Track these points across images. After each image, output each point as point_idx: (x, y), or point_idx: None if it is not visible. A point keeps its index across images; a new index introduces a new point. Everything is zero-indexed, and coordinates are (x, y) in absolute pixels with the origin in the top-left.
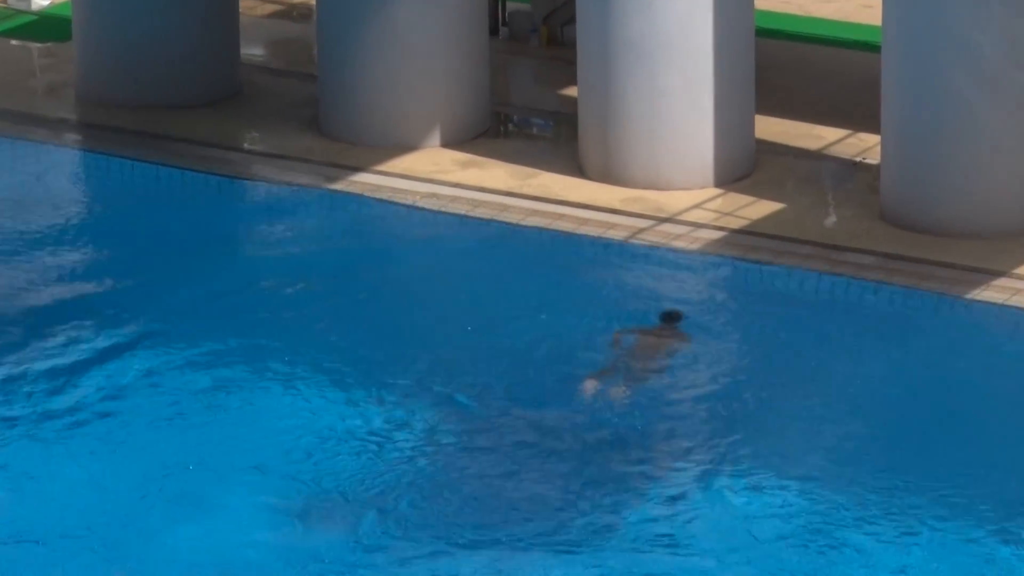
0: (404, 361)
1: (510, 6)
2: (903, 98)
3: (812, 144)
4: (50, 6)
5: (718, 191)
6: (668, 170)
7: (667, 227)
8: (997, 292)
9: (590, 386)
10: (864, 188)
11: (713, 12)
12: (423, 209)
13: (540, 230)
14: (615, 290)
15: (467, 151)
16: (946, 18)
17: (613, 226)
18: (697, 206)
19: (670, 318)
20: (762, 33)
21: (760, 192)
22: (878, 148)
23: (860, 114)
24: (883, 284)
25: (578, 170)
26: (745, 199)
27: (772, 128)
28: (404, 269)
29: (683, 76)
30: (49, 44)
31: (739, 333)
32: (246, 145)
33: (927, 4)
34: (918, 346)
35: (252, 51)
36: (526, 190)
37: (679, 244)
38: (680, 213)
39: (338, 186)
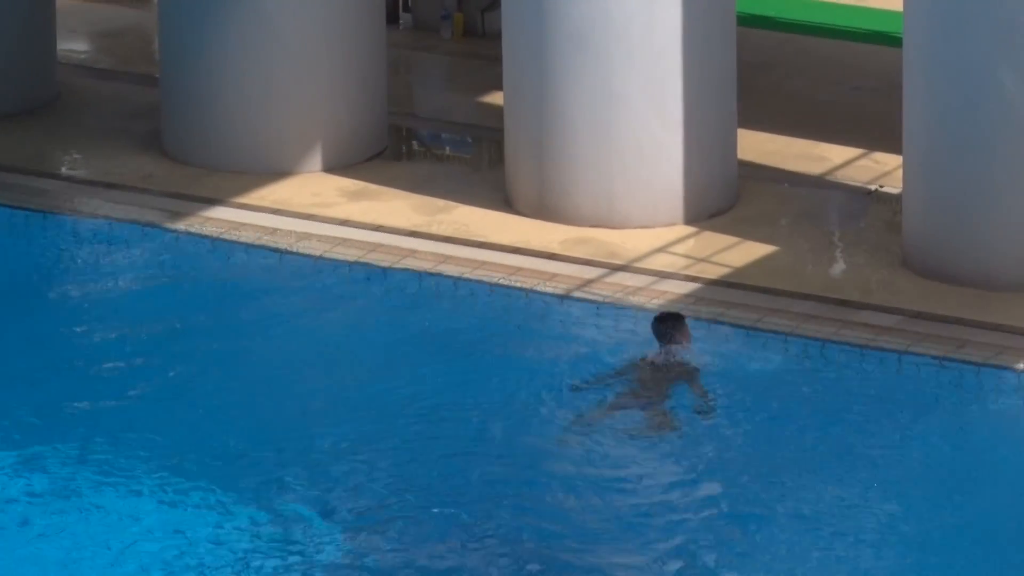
0: (280, 454)
1: None
2: (932, 106)
3: (813, 167)
4: None
5: (690, 230)
6: (624, 202)
7: (622, 277)
8: None
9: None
10: (881, 226)
11: (682, 1)
12: (299, 254)
13: (454, 281)
14: (552, 361)
15: (358, 177)
16: None
17: (551, 276)
18: (662, 250)
19: (667, 323)
20: (747, 21)
21: (745, 231)
22: (900, 172)
23: (876, 127)
24: (909, 353)
25: (504, 202)
26: (725, 240)
27: (761, 146)
28: (274, 334)
29: (644, 78)
30: None
31: (720, 419)
32: (64, 170)
33: None
34: (957, 435)
35: (73, 46)
36: (436, 229)
37: (638, 300)
38: (640, 259)
39: (186, 224)
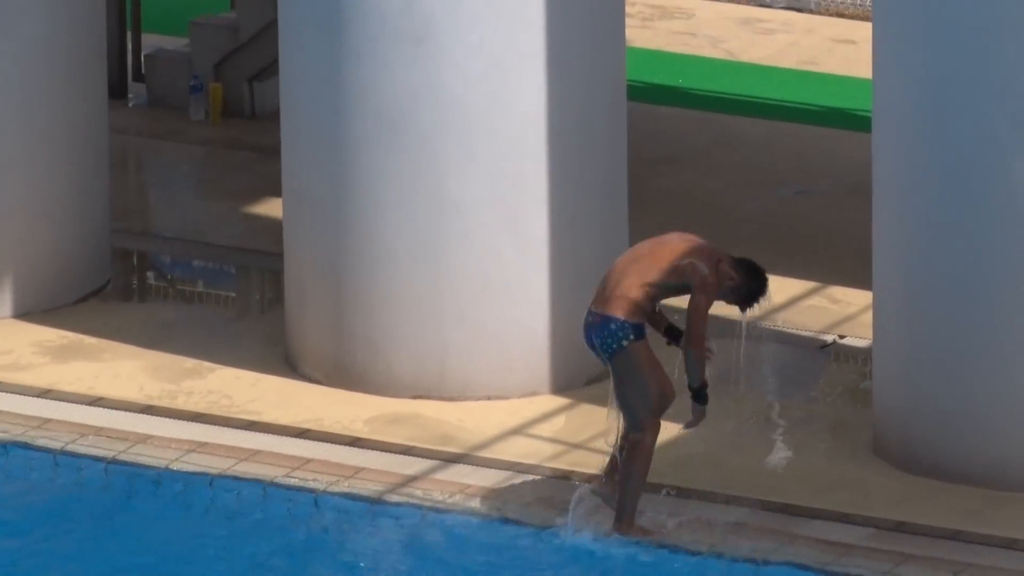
0: None
1: (148, 44)
2: (915, 218)
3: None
4: None
5: (560, 402)
6: (463, 362)
7: (460, 472)
8: None
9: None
10: (843, 395)
11: (546, 61)
12: None
13: (210, 479)
14: None
15: (67, 327)
16: (989, 65)
17: (355, 471)
18: (519, 431)
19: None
20: (643, 93)
21: None
22: (868, 316)
23: (833, 250)
24: None
25: (285, 363)
26: None
27: None
28: None
29: (491, 178)
30: None
31: None
32: None
33: (954, 40)
34: None
35: None
36: (183, 402)
37: (485, 508)
38: (486, 445)
39: None
